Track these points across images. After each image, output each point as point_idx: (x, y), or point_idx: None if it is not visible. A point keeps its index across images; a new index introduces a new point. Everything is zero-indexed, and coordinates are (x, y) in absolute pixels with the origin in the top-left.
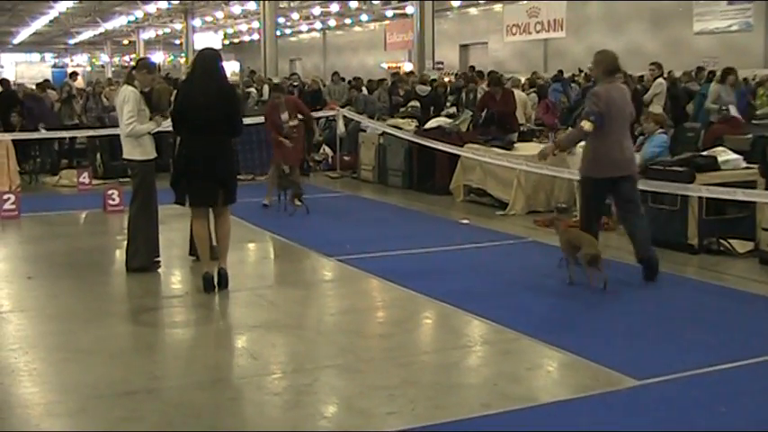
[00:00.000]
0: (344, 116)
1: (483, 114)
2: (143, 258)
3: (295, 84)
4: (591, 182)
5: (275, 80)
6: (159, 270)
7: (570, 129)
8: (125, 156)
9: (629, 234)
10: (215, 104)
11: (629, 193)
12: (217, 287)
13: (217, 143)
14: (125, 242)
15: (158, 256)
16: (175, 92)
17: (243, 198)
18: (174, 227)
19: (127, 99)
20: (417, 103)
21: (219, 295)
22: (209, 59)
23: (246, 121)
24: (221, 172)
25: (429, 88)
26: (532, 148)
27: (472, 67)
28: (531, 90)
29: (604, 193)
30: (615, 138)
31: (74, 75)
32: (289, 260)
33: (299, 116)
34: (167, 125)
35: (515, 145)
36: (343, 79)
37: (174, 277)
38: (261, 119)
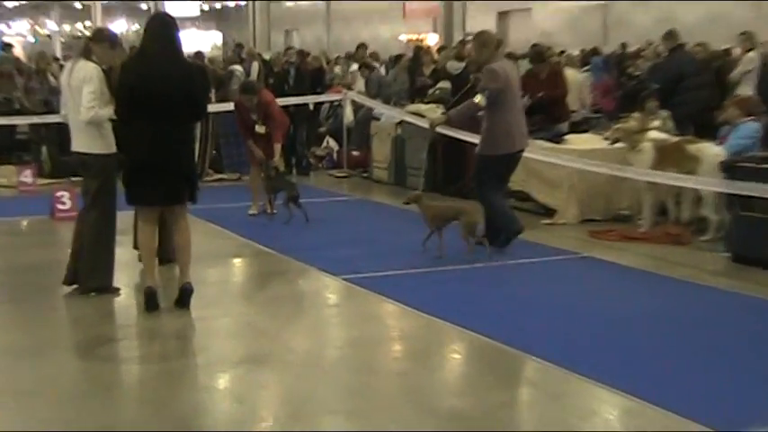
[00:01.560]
0: (353, 101)
1: (525, 99)
2: (102, 277)
3: (291, 60)
4: (493, 159)
5: (266, 55)
6: (120, 293)
7: (634, 114)
8: (79, 149)
9: (497, 210)
10: (173, 83)
11: (514, 167)
12: (178, 305)
13: (177, 130)
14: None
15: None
16: (120, 69)
17: (225, 203)
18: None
19: (89, 77)
20: (448, 84)
21: (196, 322)
22: (163, 27)
23: (228, 106)
24: (184, 164)
25: (463, 65)
26: (588, 141)
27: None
28: (586, 69)
29: (503, 169)
30: (514, 113)
31: (8, 47)
32: (283, 279)
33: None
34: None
35: (566, 137)
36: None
37: (138, 299)
38: None
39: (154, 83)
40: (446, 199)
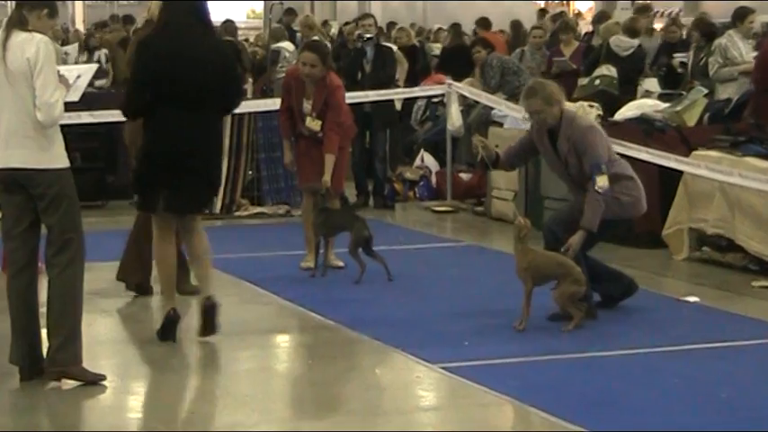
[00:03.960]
0: (462, 97)
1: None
2: (77, 354)
3: (367, 36)
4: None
5: (332, 28)
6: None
7: None
8: (25, 164)
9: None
10: (205, 65)
11: None
12: (203, 331)
13: (205, 124)
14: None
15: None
16: (136, 50)
17: (267, 250)
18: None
19: (47, 58)
20: (613, 70)
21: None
22: (188, 3)
23: (272, 104)
24: (212, 165)
25: (636, 42)
26: None
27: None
28: None
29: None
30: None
31: None
32: (352, 368)
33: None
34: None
35: None
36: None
37: (129, 393)
38: None
39: (183, 65)
40: None
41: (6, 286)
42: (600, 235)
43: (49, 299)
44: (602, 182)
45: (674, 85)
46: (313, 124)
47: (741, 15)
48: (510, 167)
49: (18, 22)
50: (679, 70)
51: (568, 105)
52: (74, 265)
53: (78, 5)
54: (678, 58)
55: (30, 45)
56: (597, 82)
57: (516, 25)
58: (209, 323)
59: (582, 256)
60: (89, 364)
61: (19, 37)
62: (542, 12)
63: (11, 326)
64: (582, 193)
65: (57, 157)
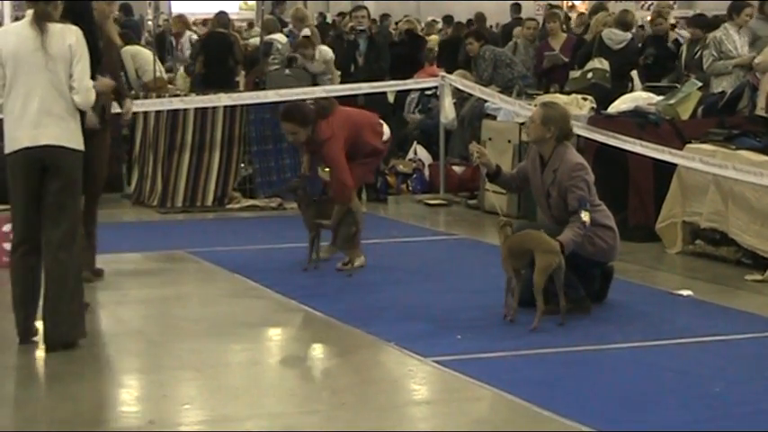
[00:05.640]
0: (456, 89)
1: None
2: (83, 327)
3: (360, 28)
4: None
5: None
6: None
7: None
8: (57, 141)
9: None
10: None
11: None
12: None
13: None
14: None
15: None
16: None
17: (260, 243)
18: None
19: (85, 47)
20: (605, 63)
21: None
22: None
23: (264, 97)
24: None
25: (629, 36)
26: None
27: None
28: None
29: None
30: None
31: None
32: (345, 362)
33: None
34: None
35: None
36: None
37: (120, 387)
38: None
39: None
40: None
41: (11, 264)
42: (570, 263)
43: (53, 280)
44: (586, 217)
45: (659, 77)
46: (324, 174)
47: (738, 8)
48: (507, 188)
49: (48, 15)
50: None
51: (561, 97)
52: (79, 253)
53: None
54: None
55: (70, 33)
56: (590, 75)
57: (480, 18)
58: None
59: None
60: (80, 357)
61: (56, 27)
62: (517, 6)
63: (12, 300)
64: (557, 227)
65: (80, 141)
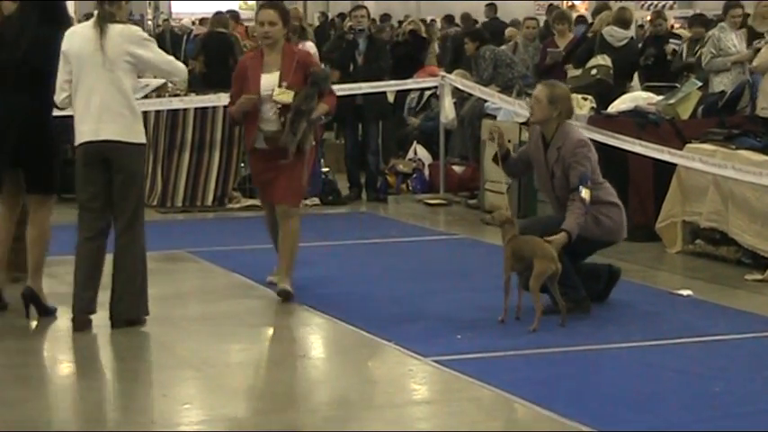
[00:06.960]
0: (456, 89)
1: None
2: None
3: (360, 28)
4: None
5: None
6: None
7: None
8: (117, 137)
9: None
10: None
11: None
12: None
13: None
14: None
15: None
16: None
17: (258, 242)
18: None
19: (150, 40)
20: (608, 60)
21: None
22: None
23: None
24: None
25: (630, 33)
26: None
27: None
28: None
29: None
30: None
31: None
32: (346, 361)
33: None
34: None
35: None
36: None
37: (120, 387)
38: None
39: None
40: None
41: (77, 248)
42: (578, 249)
43: (119, 263)
44: (586, 194)
45: (660, 77)
46: (283, 96)
47: (726, 9)
48: (509, 172)
49: (110, 15)
50: (669, 57)
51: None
52: (142, 238)
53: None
54: (672, 44)
55: (131, 31)
56: (594, 71)
57: (466, 18)
58: (39, 310)
59: (567, 260)
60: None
61: (116, 28)
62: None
63: (73, 281)
64: (563, 212)
65: (140, 134)
